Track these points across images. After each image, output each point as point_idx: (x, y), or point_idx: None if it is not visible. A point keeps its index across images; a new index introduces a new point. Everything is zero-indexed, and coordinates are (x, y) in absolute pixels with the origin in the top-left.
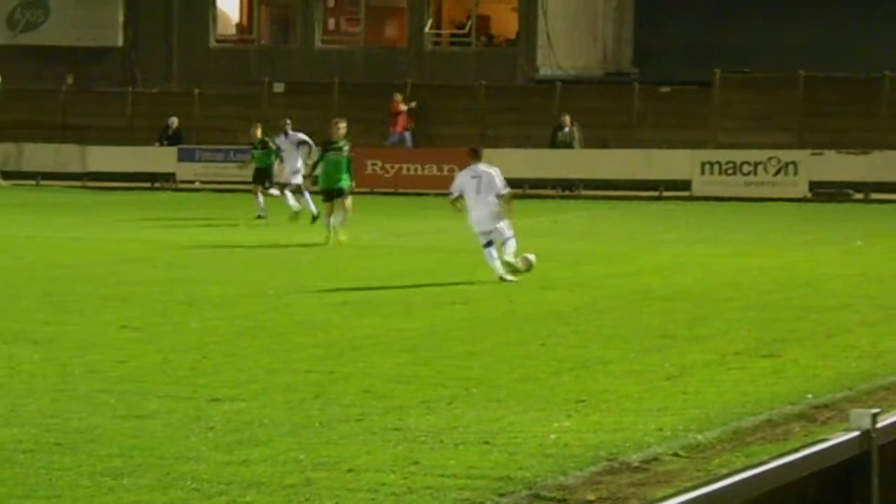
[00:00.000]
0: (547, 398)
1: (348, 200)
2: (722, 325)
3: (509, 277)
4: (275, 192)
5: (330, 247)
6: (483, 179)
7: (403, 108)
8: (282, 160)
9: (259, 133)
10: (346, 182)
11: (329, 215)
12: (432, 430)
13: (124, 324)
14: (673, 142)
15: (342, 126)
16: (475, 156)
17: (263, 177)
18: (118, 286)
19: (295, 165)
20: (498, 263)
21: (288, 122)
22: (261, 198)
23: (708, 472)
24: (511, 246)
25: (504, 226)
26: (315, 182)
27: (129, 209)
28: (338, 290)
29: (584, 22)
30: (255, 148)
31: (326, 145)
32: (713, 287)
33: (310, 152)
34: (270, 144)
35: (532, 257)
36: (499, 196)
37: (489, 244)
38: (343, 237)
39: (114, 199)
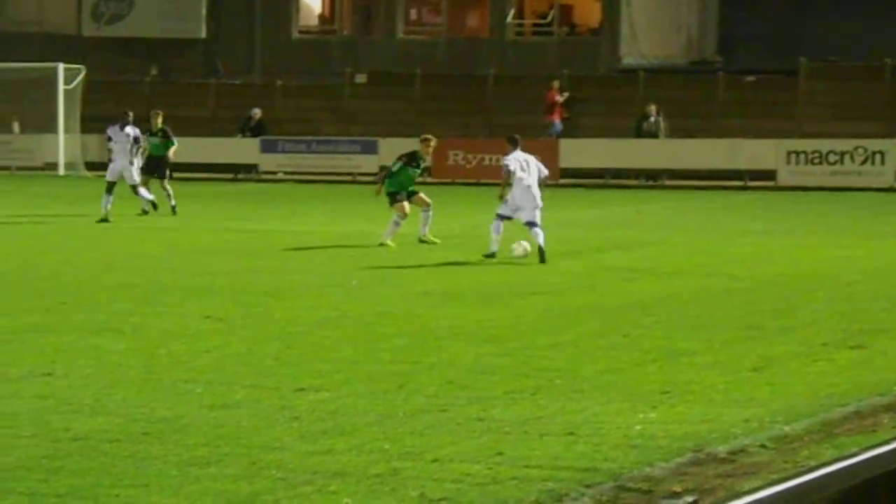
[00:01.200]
0: (631, 389)
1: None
2: (808, 315)
3: (493, 249)
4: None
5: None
6: (530, 168)
7: (559, 98)
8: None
9: (160, 121)
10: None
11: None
12: (516, 421)
13: (208, 314)
14: (758, 131)
15: (433, 145)
16: (514, 144)
17: (157, 167)
18: (201, 276)
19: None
20: (497, 237)
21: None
22: (144, 191)
23: (795, 464)
24: (540, 235)
25: (538, 213)
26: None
27: (212, 200)
28: (420, 280)
29: (668, 10)
30: (154, 135)
31: (412, 160)
32: (799, 277)
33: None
34: (170, 133)
35: (528, 246)
36: (542, 181)
37: (505, 219)
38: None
39: (197, 190)
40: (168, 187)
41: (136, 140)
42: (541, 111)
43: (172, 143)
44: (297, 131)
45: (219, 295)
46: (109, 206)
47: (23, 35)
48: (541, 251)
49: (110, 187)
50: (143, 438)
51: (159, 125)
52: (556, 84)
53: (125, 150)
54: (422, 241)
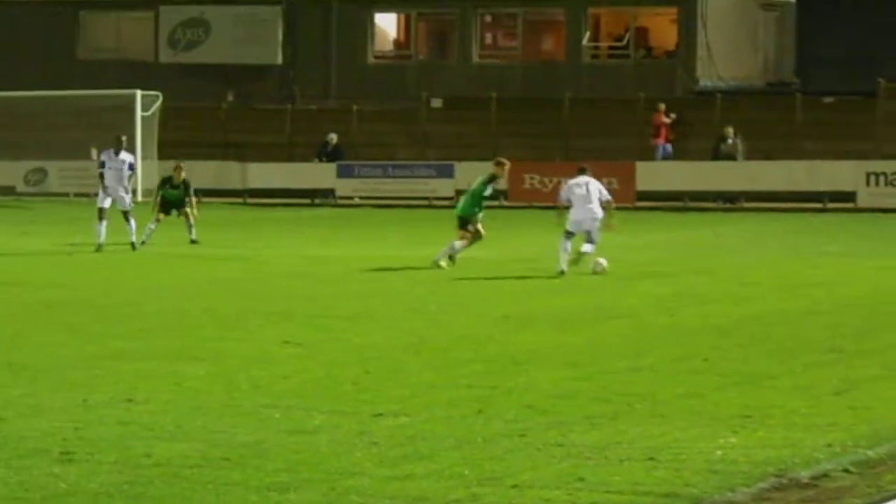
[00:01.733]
0: (712, 414)
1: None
2: (890, 338)
3: (564, 267)
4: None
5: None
6: (589, 188)
7: (666, 120)
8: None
9: (182, 175)
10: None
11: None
12: (596, 446)
13: (287, 339)
14: (837, 152)
15: (507, 168)
16: (581, 172)
17: (174, 205)
18: (280, 301)
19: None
20: (565, 256)
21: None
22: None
23: (879, 489)
24: (589, 248)
25: (595, 232)
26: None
27: (289, 225)
28: (498, 304)
29: (745, 32)
30: (175, 188)
31: (492, 180)
32: (881, 300)
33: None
34: (190, 188)
35: (605, 263)
36: (604, 205)
37: (571, 235)
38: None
39: (274, 215)
40: (192, 214)
41: (130, 167)
42: (648, 134)
43: (190, 196)
44: (373, 156)
45: (297, 320)
46: (104, 234)
47: (101, 62)
48: (579, 255)
49: (102, 214)
50: (224, 464)
51: (181, 178)
52: (662, 107)
53: (120, 176)
54: (436, 265)
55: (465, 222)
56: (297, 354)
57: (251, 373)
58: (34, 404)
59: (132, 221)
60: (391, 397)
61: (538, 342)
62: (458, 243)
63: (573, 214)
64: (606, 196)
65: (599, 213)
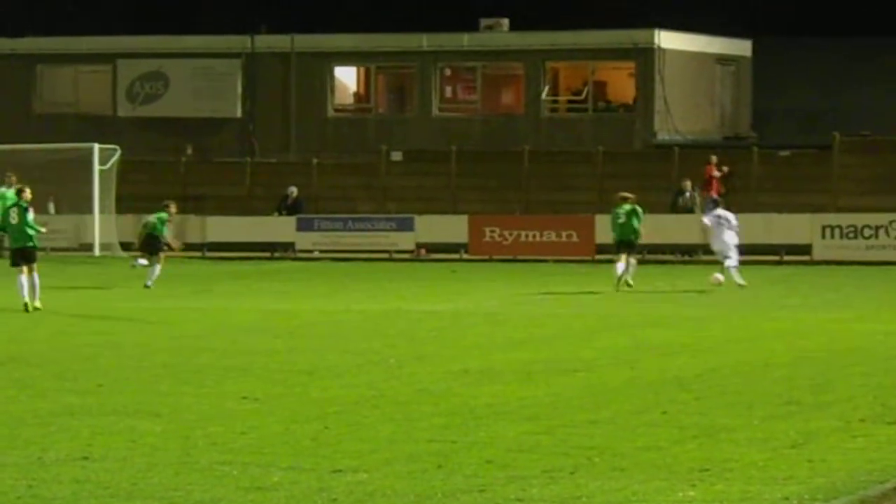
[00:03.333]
0: (670, 467)
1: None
2: (846, 391)
3: (719, 278)
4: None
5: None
6: (729, 219)
7: (717, 173)
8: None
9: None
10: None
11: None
12: (556, 501)
13: (245, 394)
14: (793, 206)
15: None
16: (716, 204)
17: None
18: (238, 356)
19: None
20: (720, 276)
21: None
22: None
23: None
24: (731, 270)
25: (734, 254)
26: None
27: (248, 279)
28: (457, 358)
29: (702, 86)
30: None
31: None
32: (836, 352)
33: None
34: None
35: (721, 277)
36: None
37: (729, 259)
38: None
39: (233, 269)
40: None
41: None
42: (698, 187)
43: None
44: (333, 209)
45: (256, 375)
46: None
47: (58, 116)
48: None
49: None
50: None
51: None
52: (713, 159)
53: None
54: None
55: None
56: (256, 410)
57: (208, 429)
58: None
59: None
60: (350, 452)
61: (498, 395)
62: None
63: (714, 243)
64: (735, 226)
65: (733, 243)
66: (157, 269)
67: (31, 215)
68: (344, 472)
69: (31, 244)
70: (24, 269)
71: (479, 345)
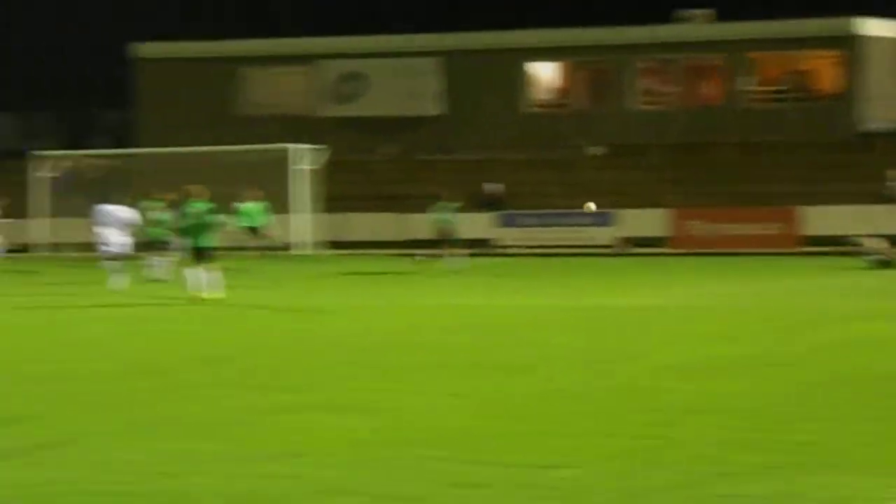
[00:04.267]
0: (886, 463)
1: None
2: None
3: None
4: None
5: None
6: None
7: None
8: None
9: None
10: None
11: None
12: (770, 497)
13: (452, 391)
14: None
15: None
16: None
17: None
18: (444, 353)
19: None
20: None
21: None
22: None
23: None
24: None
25: None
26: None
27: (449, 276)
28: (660, 353)
29: None
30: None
31: None
32: None
33: None
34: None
35: None
36: None
37: None
38: None
39: (436, 265)
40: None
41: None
42: (810, 178)
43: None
44: (531, 205)
45: (462, 371)
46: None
47: (261, 117)
48: None
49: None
50: None
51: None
52: None
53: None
54: None
55: None
56: (463, 406)
57: (417, 425)
58: (201, 460)
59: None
60: (558, 448)
61: (704, 391)
62: None
63: None
64: None
65: None
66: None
67: (212, 216)
68: (552, 467)
69: (208, 243)
70: (203, 265)
71: (682, 340)
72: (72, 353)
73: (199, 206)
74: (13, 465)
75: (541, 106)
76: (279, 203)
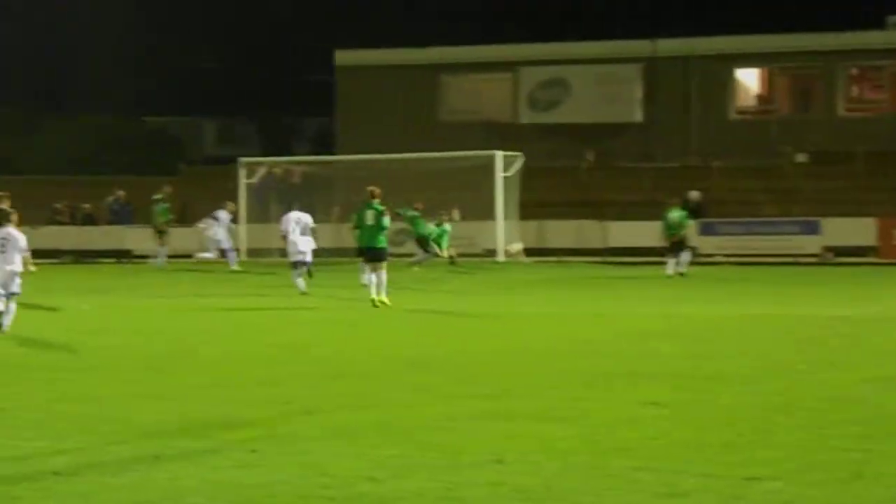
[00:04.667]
0: None
1: None
2: None
3: None
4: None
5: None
6: None
7: None
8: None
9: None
10: None
11: None
12: None
13: (653, 399)
14: None
15: None
16: None
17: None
18: (644, 361)
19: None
20: None
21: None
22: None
23: None
24: None
25: None
26: None
27: (650, 284)
28: (868, 364)
29: None
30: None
31: None
32: None
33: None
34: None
35: None
36: None
37: None
38: None
39: (635, 273)
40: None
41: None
42: None
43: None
44: (735, 213)
45: (662, 380)
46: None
47: (462, 124)
48: None
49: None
50: None
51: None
52: None
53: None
54: None
55: None
56: (664, 415)
57: (618, 434)
58: (403, 464)
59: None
60: (763, 460)
61: None
62: None
63: None
64: None
65: None
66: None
67: (386, 219)
68: (757, 479)
69: (380, 245)
70: (372, 266)
71: (892, 351)
72: (279, 356)
73: (374, 208)
74: (227, 465)
75: (746, 112)
76: (481, 210)
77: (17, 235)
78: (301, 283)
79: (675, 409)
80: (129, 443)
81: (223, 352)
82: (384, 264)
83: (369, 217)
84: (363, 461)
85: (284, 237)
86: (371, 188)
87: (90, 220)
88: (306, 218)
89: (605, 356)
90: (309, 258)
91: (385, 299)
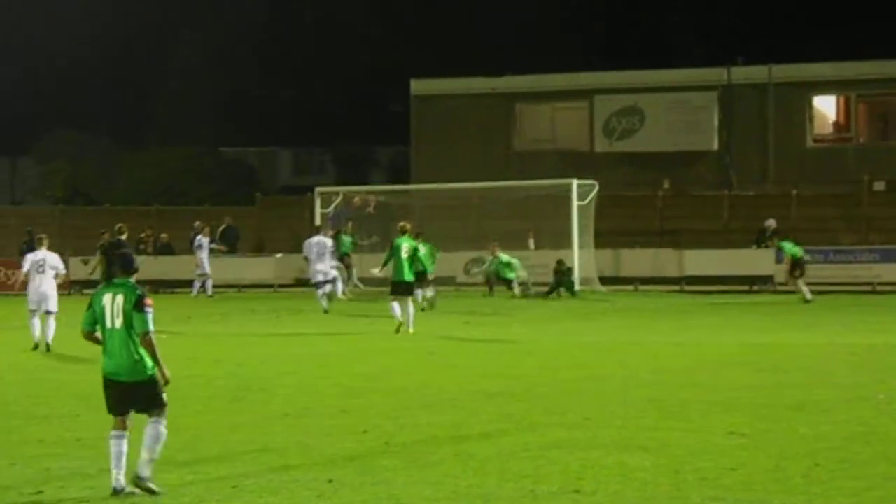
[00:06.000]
0: None
1: None
2: None
3: None
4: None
5: None
6: None
7: None
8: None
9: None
10: None
11: None
12: None
13: (732, 429)
14: None
15: None
16: None
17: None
18: (722, 391)
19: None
20: None
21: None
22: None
23: None
24: None
25: None
26: None
27: (728, 312)
28: None
29: None
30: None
31: None
32: None
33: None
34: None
35: None
36: None
37: None
38: None
39: (712, 302)
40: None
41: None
42: None
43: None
44: (812, 241)
45: (742, 409)
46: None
47: (538, 153)
48: None
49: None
50: None
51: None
52: None
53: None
54: None
55: None
56: (744, 445)
57: (697, 464)
58: (482, 494)
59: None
60: (844, 490)
61: None
62: None
63: None
64: None
65: None
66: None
67: (422, 250)
68: None
69: (409, 279)
70: (402, 300)
71: None
72: (356, 386)
73: (408, 242)
74: (304, 495)
75: (823, 140)
76: (556, 239)
77: (53, 257)
78: (324, 302)
79: (754, 439)
80: (206, 473)
81: (300, 381)
82: (410, 298)
83: (404, 251)
84: (441, 491)
85: (307, 259)
86: (402, 223)
87: (168, 249)
88: (327, 242)
89: (682, 385)
90: (329, 278)
91: (411, 330)
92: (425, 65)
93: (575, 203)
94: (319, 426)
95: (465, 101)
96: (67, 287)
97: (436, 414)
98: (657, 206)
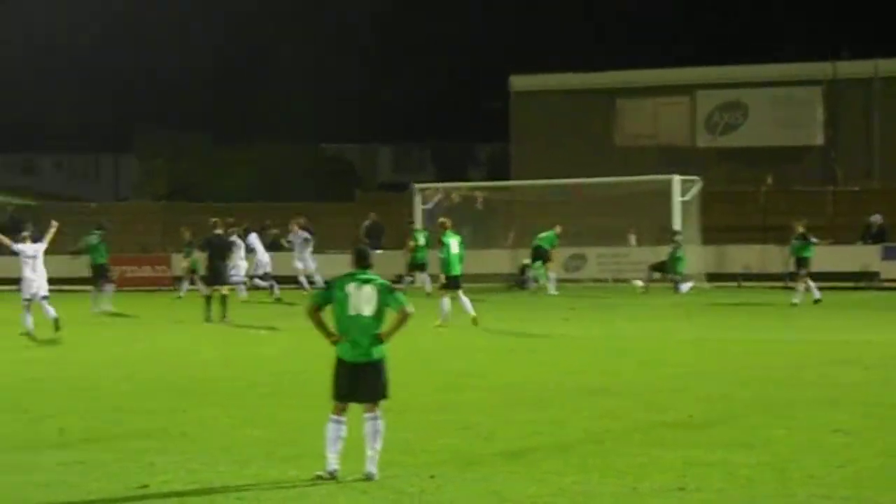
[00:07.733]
0: None
1: None
2: None
3: None
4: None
5: None
6: None
7: None
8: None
9: None
10: None
11: None
12: None
13: (838, 427)
14: None
15: None
16: None
17: None
18: (827, 388)
19: None
20: None
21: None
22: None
23: None
24: None
25: None
26: None
27: (832, 309)
28: None
29: None
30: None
31: None
32: None
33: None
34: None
35: None
36: None
37: None
38: None
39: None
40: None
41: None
42: None
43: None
44: None
45: (847, 407)
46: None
47: (639, 148)
48: None
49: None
50: None
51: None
52: None
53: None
54: None
55: None
56: (850, 443)
57: (803, 462)
58: (584, 491)
59: None
60: None
61: None
62: None
63: None
64: None
65: None
66: None
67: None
68: None
69: (459, 273)
70: (453, 294)
71: None
72: (455, 382)
73: (455, 238)
74: (408, 490)
75: None
76: (659, 235)
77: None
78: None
79: (860, 437)
80: (309, 468)
81: (399, 378)
82: (457, 291)
83: (454, 246)
84: (544, 487)
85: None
86: (442, 220)
87: (275, 246)
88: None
89: (786, 383)
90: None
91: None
92: (526, 61)
93: (677, 199)
94: (420, 422)
95: (566, 97)
96: (169, 282)
97: (536, 410)
98: (760, 202)
